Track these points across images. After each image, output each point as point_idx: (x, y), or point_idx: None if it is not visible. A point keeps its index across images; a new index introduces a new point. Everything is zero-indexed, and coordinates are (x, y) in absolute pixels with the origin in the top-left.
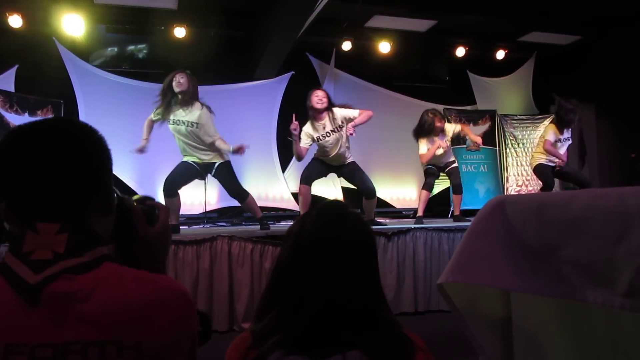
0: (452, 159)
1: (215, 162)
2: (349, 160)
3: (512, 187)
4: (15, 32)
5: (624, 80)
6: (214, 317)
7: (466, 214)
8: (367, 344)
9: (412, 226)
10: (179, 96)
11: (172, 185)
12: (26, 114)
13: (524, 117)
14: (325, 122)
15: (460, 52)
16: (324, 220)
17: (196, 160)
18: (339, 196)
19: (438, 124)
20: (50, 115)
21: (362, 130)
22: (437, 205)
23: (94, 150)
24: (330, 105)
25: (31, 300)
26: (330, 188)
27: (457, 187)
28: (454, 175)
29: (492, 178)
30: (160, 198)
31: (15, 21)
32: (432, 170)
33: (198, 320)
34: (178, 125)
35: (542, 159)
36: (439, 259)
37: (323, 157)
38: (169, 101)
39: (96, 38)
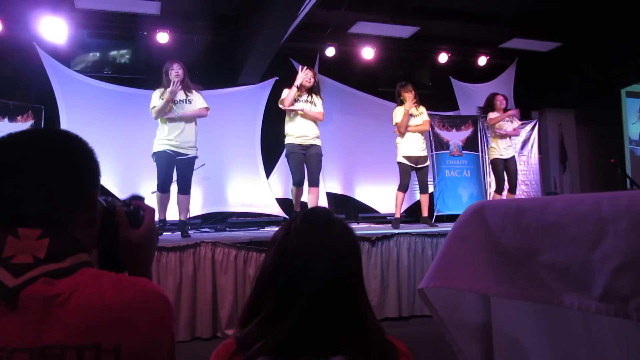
0: (425, 153)
1: (188, 154)
2: (318, 142)
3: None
4: None
5: (603, 86)
6: (197, 323)
7: (449, 219)
8: (351, 350)
9: (396, 231)
10: (174, 83)
11: (165, 181)
12: (6, 120)
13: None
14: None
15: (443, 58)
16: (308, 227)
17: (170, 148)
18: (324, 202)
19: (405, 93)
20: (30, 121)
21: (346, 135)
22: (421, 210)
23: (80, 160)
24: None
25: (9, 302)
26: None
27: (423, 187)
28: (422, 174)
29: (475, 183)
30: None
31: None
32: (405, 167)
33: (175, 323)
34: (177, 104)
35: (494, 151)
36: (422, 263)
37: (301, 135)
38: (166, 85)
39: (78, 43)
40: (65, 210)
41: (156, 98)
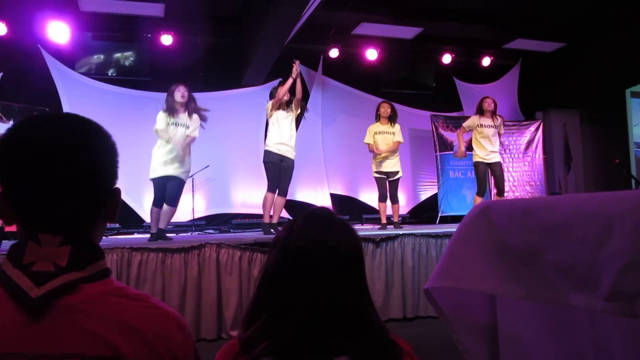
0: (396, 168)
1: (179, 177)
2: (292, 155)
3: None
4: (0, 40)
5: (608, 86)
6: (202, 324)
7: (454, 219)
8: (355, 350)
9: (400, 232)
10: (179, 104)
11: (160, 201)
12: (11, 122)
13: (510, 123)
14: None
15: (447, 59)
16: (310, 227)
17: (164, 173)
18: (327, 202)
19: (381, 109)
20: None
21: (349, 136)
22: (425, 211)
23: (101, 152)
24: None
25: (33, 314)
26: (318, 195)
27: (392, 198)
28: (392, 186)
29: None
30: (147, 201)
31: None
32: (380, 180)
33: (194, 348)
34: (178, 127)
35: (476, 156)
36: (427, 264)
37: (278, 142)
38: (171, 107)
39: (82, 45)
40: (90, 216)
41: (161, 119)
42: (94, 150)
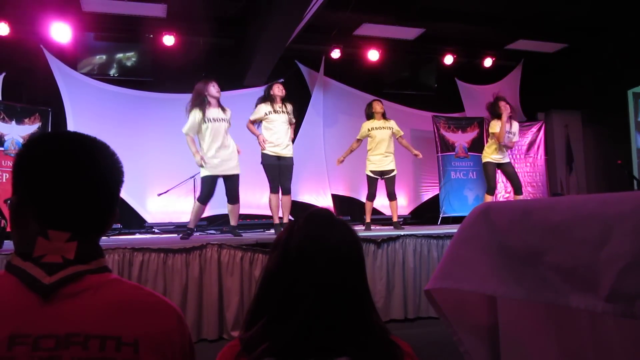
0: (390, 167)
1: (234, 173)
2: (290, 153)
3: (501, 193)
4: (2, 40)
5: (610, 87)
6: (203, 325)
7: (455, 220)
8: (356, 351)
9: (402, 233)
10: (213, 100)
11: (207, 198)
12: (13, 122)
13: None
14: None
15: (449, 59)
16: (311, 228)
17: (216, 172)
18: (329, 203)
19: (377, 107)
20: (37, 124)
21: (351, 136)
22: (426, 212)
23: (119, 173)
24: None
25: (46, 297)
26: (320, 196)
27: (390, 195)
28: (389, 183)
29: (480, 185)
30: (150, 203)
31: (2, 29)
32: (372, 180)
33: (188, 334)
34: (218, 122)
35: (487, 157)
36: (428, 265)
37: (274, 144)
38: (202, 104)
39: (84, 46)
40: (101, 219)
41: (195, 117)
42: (100, 163)
